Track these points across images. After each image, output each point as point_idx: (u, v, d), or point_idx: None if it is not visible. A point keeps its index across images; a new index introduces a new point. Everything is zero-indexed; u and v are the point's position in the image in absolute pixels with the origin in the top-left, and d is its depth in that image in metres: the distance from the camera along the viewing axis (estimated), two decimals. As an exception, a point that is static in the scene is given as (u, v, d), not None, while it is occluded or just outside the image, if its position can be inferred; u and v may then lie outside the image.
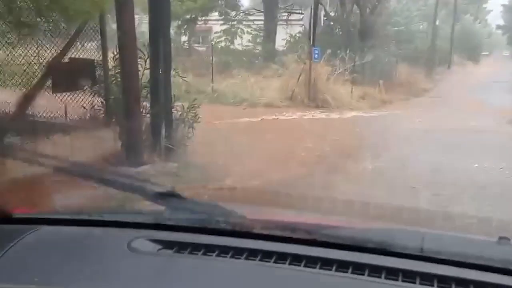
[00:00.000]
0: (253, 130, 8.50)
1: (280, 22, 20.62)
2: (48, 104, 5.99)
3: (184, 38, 19.58)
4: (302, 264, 1.07)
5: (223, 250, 1.13)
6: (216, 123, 8.45)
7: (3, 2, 4.92)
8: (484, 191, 4.92)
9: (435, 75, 23.13)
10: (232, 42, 19.57)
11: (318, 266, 1.05)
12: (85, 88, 5.65)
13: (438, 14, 27.64)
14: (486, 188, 4.99)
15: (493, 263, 1.05)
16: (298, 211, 1.44)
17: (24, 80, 5.74)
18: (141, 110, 5.47)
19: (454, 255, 1.07)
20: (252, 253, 1.10)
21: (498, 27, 42.90)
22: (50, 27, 5.47)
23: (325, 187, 4.86)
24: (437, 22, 27.21)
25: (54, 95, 5.94)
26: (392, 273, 1.03)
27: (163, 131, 5.62)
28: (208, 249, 1.14)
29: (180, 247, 1.14)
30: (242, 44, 19.87)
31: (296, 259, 1.08)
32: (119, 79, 5.47)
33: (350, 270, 1.04)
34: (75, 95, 5.95)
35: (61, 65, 5.26)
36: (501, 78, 22.17)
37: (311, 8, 11.73)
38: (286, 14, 21.12)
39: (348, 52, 14.15)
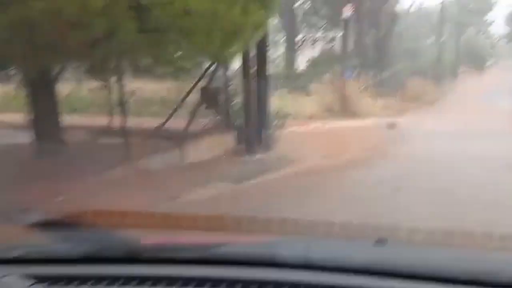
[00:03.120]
0: (309, 135, 11.43)
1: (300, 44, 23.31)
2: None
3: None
4: (192, 285, 1.04)
5: (103, 280, 1.08)
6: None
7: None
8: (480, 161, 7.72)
9: (443, 86, 25.69)
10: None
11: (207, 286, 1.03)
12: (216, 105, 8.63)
13: (443, 29, 30.27)
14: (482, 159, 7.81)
15: (371, 266, 1.05)
16: (192, 230, 1.35)
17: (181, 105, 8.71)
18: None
19: (336, 261, 1.07)
20: (142, 281, 1.06)
21: (502, 36, 44.41)
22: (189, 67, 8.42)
23: (377, 165, 7.79)
24: (443, 37, 29.88)
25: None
26: (279, 286, 1.03)
27: (265, 133, 8.57)
28: (85, 280, 1.08)
29: (54, 280, 1.09)
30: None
31: (186, 282, 1.05)
32: (236, 100, 8.48)
33: None
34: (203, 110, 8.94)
35: (204, 91, 8.29)
36: (504, 86, 24.62)
37: (342, 35, 14.78)
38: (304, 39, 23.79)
39: (370, 69, 17.16)
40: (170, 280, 1.07)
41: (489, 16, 42.69)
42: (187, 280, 1.06)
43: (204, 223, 1.38)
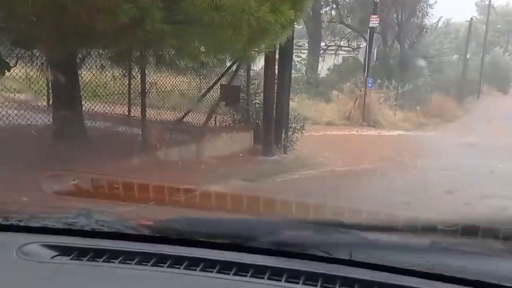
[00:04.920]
0: (328, 140, 11.33)
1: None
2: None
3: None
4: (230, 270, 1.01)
5: (129, 256, 1.03)
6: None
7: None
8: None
9: (465, 104, 25.37)
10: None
11: (215, 269, 1.01)
12: (236, 104, 8.59)
13: (469, 46, 29.93)
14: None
15: (419, 268, 1.02)
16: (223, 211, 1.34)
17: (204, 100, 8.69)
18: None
19: (383, 259, 1.04)
20: (161, 259, 1.04)
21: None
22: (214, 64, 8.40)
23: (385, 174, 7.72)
24: (468, 54, 29.54)
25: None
26: (294, 276, 1.00)
27: (283, 135, 8.49)
28: (112, 255, 1.04)
29: (80, 253, 1.04)
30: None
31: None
32: (257, 101, 8.41)
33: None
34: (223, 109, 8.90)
35: (225, 89, 8.25)
36: (528, 108, 24.28)
37: (366, 45, 14.64)
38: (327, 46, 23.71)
39: (392, 81, 16.96)
40: (201, 261, 1.03)
41: (518, 37, 42.13)
42: (195, 260, 1.03)
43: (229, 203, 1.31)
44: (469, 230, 1.11)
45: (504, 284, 0.99)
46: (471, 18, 29.32)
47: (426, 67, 23.48)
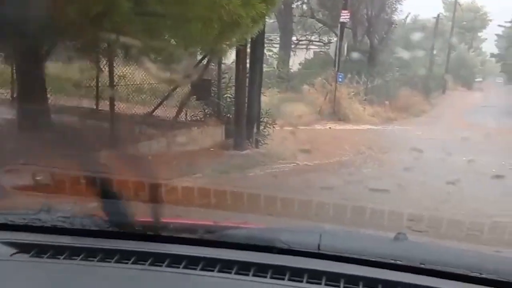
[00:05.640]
0: (299, 134, 11.40)
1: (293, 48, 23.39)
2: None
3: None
4: (148, 262, 0.99)
5: (91, 253, 1.00)
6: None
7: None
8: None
9: (432, 99, 25.99)
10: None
11: (182, 265, 1.00)
12: (207, 98, 8.52)
13: (436, 43, 30.66)
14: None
15: (390, 259, 1.02)
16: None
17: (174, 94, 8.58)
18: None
19: (351, 252, 1.04)
20: (125, 256, 1.01)
21: (492, 55, 45.21)
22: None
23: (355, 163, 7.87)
24: (434, 50, 30.25)
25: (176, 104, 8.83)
26: (261, 270, 1.00)
27: (255, 129, 8.49)
28: (74, 252, 1.00)
29: (40, 250, 1.00)
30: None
31: (161, 259, 1.00)
32: (229, 95, 8.37)
33: (234, 271, 0.99)
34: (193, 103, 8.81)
35: (196, 83, 8.18)
36: (490, 103, 25.18)
37: (337, 40, 14.78)
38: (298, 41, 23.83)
39: (362, 76, 17.20)
40: (166, 257, 1.02)
41: (482, 34, 43.43)
42: (163, 257, 1.01)
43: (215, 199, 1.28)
44: (433, 221, 1.13)
45: (466, 273, 1.00)
46: (438, 15, 30.06)
47: (395, 63, 23.92)
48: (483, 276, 1.01)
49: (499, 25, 37.88)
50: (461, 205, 5.14)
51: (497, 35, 40.86)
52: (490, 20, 41.49)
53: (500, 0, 43.94)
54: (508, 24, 35.06)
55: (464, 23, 38.50)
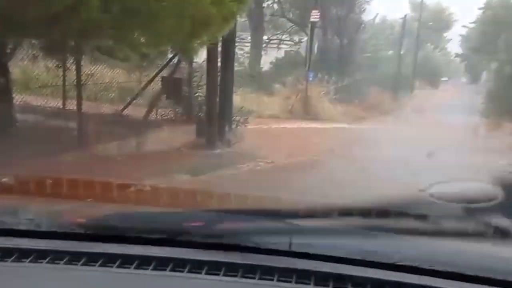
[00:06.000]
0: (270, 133, 11.44)
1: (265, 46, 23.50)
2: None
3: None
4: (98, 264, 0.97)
5: (58, 256, 1.00)
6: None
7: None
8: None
9: (400, 98, 26.62)
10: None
11: (151, 266, 0.99)
12: (177, 97, 8.44)
13: (403, 43, 31.34)
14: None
15: (356, 256, 1.04)
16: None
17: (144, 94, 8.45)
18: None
19: (322, 249, 1.05)
20: (92, 258, 0.99)
21: (457, 55, 46.56)
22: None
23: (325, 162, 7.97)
24: (402, 50, 30.93)
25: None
26: (232, 270, 0.99)
27: (227, 128, 8.46)
28: (40, 255, 1.00)
29: (4, 254, 1.00)
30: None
31: (127, 260, 0.99)
32: (200, 94, 8.31)
33: (204, 271, 0.99)
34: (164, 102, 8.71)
35: (166, 81, 8.08)
36: (455, 101, 25.98)
37: (308, 39, 14.91)
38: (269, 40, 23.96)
39: (332, 76, 17.41)
40: (135, 258, 1.01)
41: (447, 34, 44.64)
42: (131, 259, 1.00)
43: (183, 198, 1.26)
44: (383, 213, 1.14)
45: (416, 265, 1.02)
46: (405, 16, 30.70)
47: (364, 62, 24.33)
48: (448, 270, 1.03)
49: (463, 26, 39.04)
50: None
51: (461, 35, 42.14)
52: (455, 21, 42.67)
53: (464, 1, 45.27)
54: (472, 25, 36.16)
55: (430, 23, 39.48)
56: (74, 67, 7.22)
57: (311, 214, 1.18)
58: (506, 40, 23.84)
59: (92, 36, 6.28)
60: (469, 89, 37.15)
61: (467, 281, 1.01)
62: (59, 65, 7.62)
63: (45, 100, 7.76)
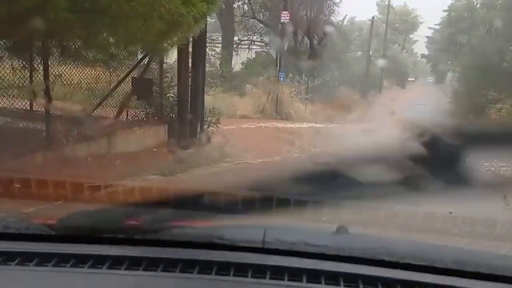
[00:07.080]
0: (242, 133, 11.49)
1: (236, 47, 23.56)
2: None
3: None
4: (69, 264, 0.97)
5: (28, 257, 1.00)
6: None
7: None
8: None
9: (369, 97, 27.16)
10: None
11: (124, 266, 0.99)
12: (148, 97, 8.38)
13: (371, 44, 31.96)
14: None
15: (328, 251, 1.05)
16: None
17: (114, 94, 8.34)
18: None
19: (295, 245, 1.07)
20: (63, 259, 1.00)
21: (423, 56, 47.72)
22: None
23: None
24: (370, 51, 31.55)
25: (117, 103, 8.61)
26: (205, 267, 1.00)
27: (198, 128, 8.47)
28: (10, 257, 1.00)
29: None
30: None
31: (118, 261, 1.00)
32: (171, 94, 8.29)
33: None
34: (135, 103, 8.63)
35: (136, 81, 8.02)
36: (421, 101, 26.69)
37: (280, 40, 15.08)
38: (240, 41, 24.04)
39: (303, 76, 17.64)
40: (107, 258, 1.01)
41: (414, 36, 45.72)
42: (103, 259, 1.00)
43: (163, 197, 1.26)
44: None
45: (406, 261, 1.05)
46: (373, 17, 31.35)
47: (334, 63, 24.70)
48: (424, 264, 1.07)
49: (429, 28, 40.13)
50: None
51: (427, 37, 43.25)
52: (421, 23, 43.77)
53: (430, 4, 46.48)
54: (437, 27, 37.21)
55: (397, 25, 40.37)
56: (41, 67, 7.07)
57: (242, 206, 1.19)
58: (470, 41, 24.67)
59: (60, 36, 6.19)
60: (435, 88, 38.22)
61: (465, 277, 1.04)
62: (26, 66, 7.45)
63: (12, 102, 7.57)
